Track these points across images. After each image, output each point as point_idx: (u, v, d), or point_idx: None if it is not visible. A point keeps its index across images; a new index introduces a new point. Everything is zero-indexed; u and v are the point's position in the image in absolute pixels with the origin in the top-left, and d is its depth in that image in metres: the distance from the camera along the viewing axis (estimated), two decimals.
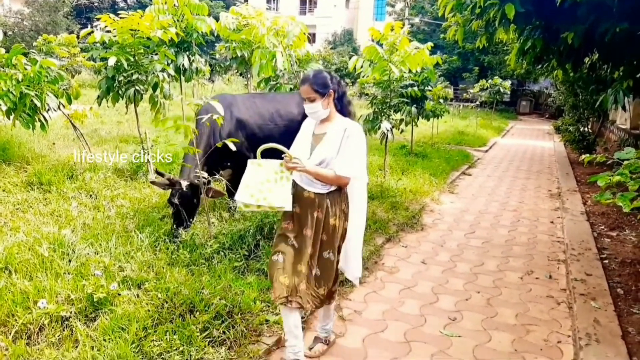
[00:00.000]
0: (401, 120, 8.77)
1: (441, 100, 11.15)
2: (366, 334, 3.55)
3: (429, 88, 9.76)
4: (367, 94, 18.28)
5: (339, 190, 2.90)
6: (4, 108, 6.65)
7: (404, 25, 7.30)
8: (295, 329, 2.88)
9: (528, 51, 5.69)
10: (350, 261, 3.08)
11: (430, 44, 7.21)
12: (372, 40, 7.87)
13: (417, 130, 11.05)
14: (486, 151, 13.91)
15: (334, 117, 2.92)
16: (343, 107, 2.93)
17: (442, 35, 31.96)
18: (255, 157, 5.13)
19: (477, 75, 30.12)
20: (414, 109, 8.78)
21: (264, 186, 2.73)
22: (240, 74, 19.04)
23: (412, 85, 8.41)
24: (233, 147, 3.95)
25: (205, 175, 4.32)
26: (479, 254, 5.40)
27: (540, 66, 7.15)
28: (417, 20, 35.42)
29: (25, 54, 6.60)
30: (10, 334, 2.88)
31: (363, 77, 8.60)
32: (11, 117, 6.78)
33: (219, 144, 4.27)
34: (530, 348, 3.47)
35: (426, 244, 5.59)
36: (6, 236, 3.96)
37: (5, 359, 2.71)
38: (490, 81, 18.98)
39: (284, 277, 2.78)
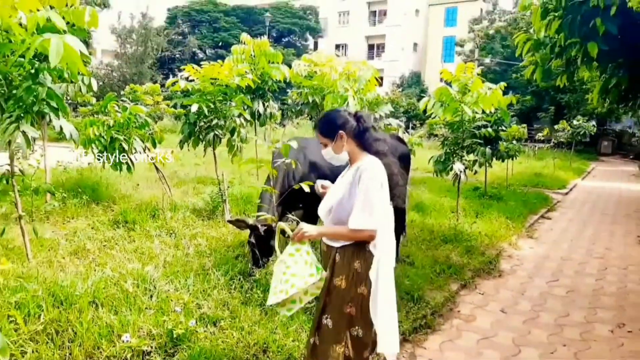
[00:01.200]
0: (474, 161, 8.55)
1: (514, 142, 10.81)
2: None
3: (503, 128, 9.51)
4: (436, 135, 18.09)
5: (356, 245, 2.49)
6: (96, 151, 7.23)
7: (476, 66, 7.24)
8: None
9: (611, 90, 5.46)
10: (381, 333, 2.45)
11: (503, 83, 7.09)
12: (442, 81, 7.85)
13: (490, 171, 10.70)
14: (566, 194, 13.17)
15: (360, 158, 2.57)
16: (366, 146, 2.57)
17: (514, 75, 31.36)
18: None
19: (553, 114, 29.03)
20: (488, 150, 8.55)
21: (286, 276, 2.45)
22: (310, 118, 19.56)
23: (485, 126, 8.24)
24: (307, 189, 3.99)
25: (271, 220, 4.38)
26: (564, 303, 5.03)
27: (624, 105, 6.78)
28: (487, 60, 35.01)
29: (117, 102, 7.21)
30: None
31: (433, 118, 8.56)
32: (101, 159, 7.34)
33: (296, 186, 4.36)
34: None
35: (505, 292, 5.29)
36: (94, 272, 4.21)
37: None
38: (575, 121, 18.15)
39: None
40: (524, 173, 14.84)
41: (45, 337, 3.15)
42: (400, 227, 5.62)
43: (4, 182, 4.21)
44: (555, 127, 18.90)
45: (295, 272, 2.43)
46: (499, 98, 6.86)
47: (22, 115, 3.92)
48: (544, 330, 4.35)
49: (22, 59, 3.82)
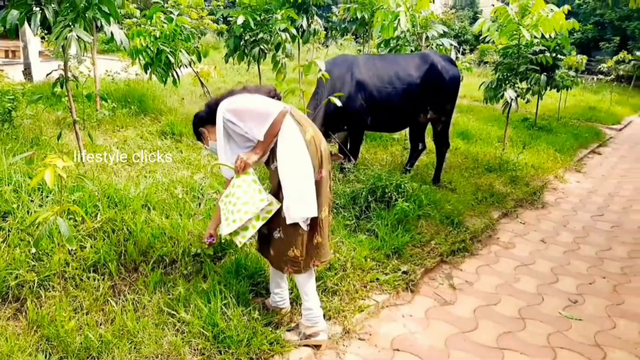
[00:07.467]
0: (527, 89, 8.15)
1: (571, 72, 10.18)
2: (477, 305, 3.46)
3: (561, 57, 8.91)
4: (486, 62, 17.17)
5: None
6: (143, 62, 7.26)
7: None
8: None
9: None
10: (286, 201, 2.58)
11: (567, 7, 6.56)
12: (499, 0, 7.35)
13: (542, 103, 10.20)
14: (620, 130, 12.52)
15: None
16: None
17: (577, 1, 28.95)
18: (371, 120, 5.14)
19: (616, 45, 26.98)
20: (543, 77, 8.10)
21: (237, 206, 2.58)
22: (356, 37, 18.88)
23: (542, 52, 7.74)
24: (338, 103, 3.89)
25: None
26: (607, 238, 4.95)
27: None
28: None
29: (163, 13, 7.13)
30: (149, 263, 3.22)
31: (488, 42, 8.10)
32: (148, 71, 7.39)
33: (324, 102, 4.31)
34: None
35: (547, 223, 5.23)
36: (145, 178, 4.37)
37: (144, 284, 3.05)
38: (638, 52, 16.81)
39: None
40: (577, 106, 14.11)
41: (102, 235, 3.36)
42: (442, 151, 5.56)
43: (59, 86, 4.32)
44: (615, 58, 17.57)
45: (247, 201, 2.56)
46: (561, 22, 6.39)
47: (75, 19, 3.93)
48: (584, 262, 4.33)
49: None
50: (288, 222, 2.57)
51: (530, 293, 3.69)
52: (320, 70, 4.32)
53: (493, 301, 3.53)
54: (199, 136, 2.86)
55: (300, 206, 2.54)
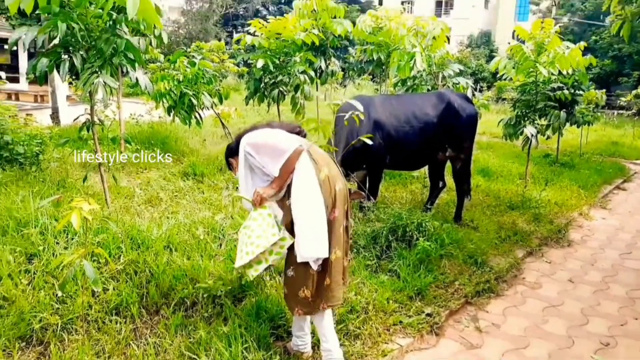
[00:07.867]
0: (547, 125, 8.13)
1: (590, 107, 10.13)
2: (506, 348, 3.34)
3: (579, 92, 8.90)
4: (504, 99, 17.23)
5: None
6: (166, 105, 7.48)
7: (554, 23, 6.78)
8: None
9: None
10: (298, 240, 2.61)
11: (583, 43, 6.60)
12: (516, 39, 7.44)
13: (563, 139, 10.13)
14: None
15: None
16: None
17: (594, 37, 29.14)
18: (389, 159, 5.15)
19: (635, 79, 26.88)
20: (562, 114, 8.07)
21: (251, 239, 2.66)
22: (372, 78, 19.19)
23: (560, 88, 7.74)
24: (369, 142, 3.93)
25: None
26: (637, 276, 4.79)
27: None
28: (565, 19, 32.63)
29: (186, 57, 7.39)
30: (170, 305, 3.21)
31: (504, 79, 8.16)
32: (171, 113, 7.60)
33: (354, 142, 4.33)
34: None
35: (573, 262, 5.09)
36: (167, 219, 4.42)
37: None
38: None
39: None
40: (599, 141, 13.96)
41: (124, 277, 3.38)
42: (462, 189, 5.51)
43: (85, 130, 4.45)
44: (634, 92, 17.44)
45: (260, 234, 2.62)
46: (577, 58, 6.41)
47: (101, 66, 4.08)
48: (615, 302, 4.19)
49: (101, 11, 3.95)
50: (298, 260, 2.59)
51: (560, 335, 3.56)
52: (341, 110, 4.39)
53: (522, 344, 3.41)
54: (230, 166, 3.00)
55: (310, 245, 2.54)
